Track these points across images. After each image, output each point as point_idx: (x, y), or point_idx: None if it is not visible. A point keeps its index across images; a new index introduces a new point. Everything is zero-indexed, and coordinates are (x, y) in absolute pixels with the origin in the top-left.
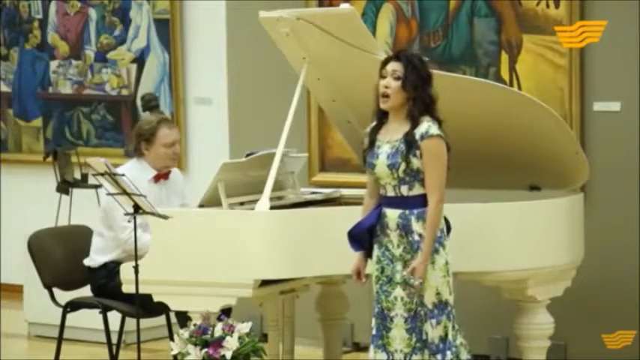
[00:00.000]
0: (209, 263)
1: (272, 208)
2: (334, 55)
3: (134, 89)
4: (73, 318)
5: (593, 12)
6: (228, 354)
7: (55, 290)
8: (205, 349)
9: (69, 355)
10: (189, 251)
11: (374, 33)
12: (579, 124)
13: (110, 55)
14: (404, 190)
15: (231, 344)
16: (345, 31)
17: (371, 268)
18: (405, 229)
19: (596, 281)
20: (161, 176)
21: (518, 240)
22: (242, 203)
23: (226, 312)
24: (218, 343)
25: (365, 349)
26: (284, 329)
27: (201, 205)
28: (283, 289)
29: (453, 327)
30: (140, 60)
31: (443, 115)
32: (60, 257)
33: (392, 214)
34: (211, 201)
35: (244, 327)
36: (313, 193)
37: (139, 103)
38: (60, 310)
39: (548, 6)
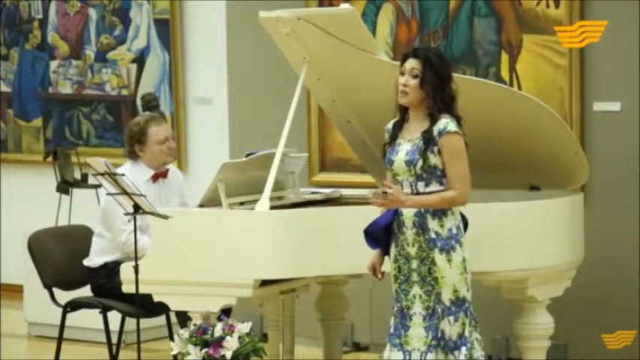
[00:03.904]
0: (209, 263)
1: (272, 208)
2: (334, 55)
3: (134, 89)
4: (73, 318)
5: (593, 12)
6: (228, 354)
7: (55, 290)
8: (205, 349)
9: (69, 355)
10: (189, 251)
11: (374, 33)
12: (579, 124)
13: (110, 55)
14: (420, 186)
15: (231, 344)
16: (345, 31)
17: (389, 266)
18: (421, 227)
19: (596, 281)
20: (159, 175)
21: (518, 240)
22: (242, 203)
23: (226, 312)
24: (218, 343)
25: (365, 349)
26: (284, 329)
27: (201, 205)
28: (283, 289)
29: (470, 323)
30: (140, 60)
31: None
32: (60, 257)
33: (408, 212)
34: (211, 201)
35: (244, 327)
36: (313, 193)
37: (139, 103)
38: (60, 310)
39: (548, 6)
